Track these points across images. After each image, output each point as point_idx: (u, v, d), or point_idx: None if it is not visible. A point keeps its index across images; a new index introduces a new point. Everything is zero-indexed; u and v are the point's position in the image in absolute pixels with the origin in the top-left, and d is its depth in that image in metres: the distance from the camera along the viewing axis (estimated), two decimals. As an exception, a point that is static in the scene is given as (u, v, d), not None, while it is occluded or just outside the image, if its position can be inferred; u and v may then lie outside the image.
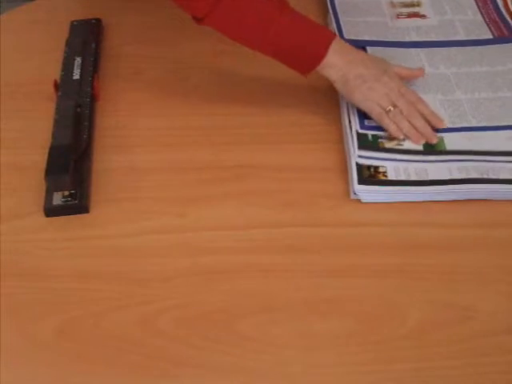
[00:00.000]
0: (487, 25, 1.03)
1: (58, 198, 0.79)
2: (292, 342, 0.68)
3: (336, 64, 0.85)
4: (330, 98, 0.93)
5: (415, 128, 0.84)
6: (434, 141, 0.84)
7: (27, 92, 0.95)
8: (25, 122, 0.91)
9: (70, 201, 0.79)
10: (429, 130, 0.84)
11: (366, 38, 1.00)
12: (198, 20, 0.84)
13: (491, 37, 1.01)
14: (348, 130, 0.86)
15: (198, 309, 0.71)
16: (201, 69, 0.98)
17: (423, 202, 0.80)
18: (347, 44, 0.87)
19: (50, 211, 0.79)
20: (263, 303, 0.71)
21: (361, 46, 0.95)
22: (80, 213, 0.79)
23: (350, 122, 0.87)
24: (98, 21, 1.05)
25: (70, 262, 0.75)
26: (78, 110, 0.88)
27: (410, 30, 1.02)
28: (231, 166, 0.85)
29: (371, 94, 0.85)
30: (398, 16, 1.04)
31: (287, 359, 0.67)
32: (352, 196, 0.80)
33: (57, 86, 0.92)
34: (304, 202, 0.81)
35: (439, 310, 0.70)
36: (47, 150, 0.80)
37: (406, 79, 0.90)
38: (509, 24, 1.03)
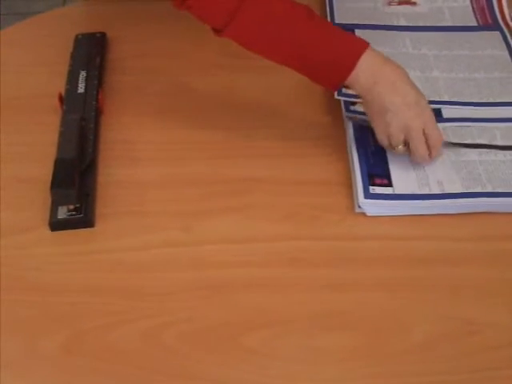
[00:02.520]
0: (474, 12, 1.08)
1: (63, 212, 0.79)
2: (296, 355, 0.68)
3: (362, 82, 0.79)
4: (333, 111, 0.93)
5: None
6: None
7: (32, 105, 0.95)
8: (30, 136, 0.91)
9: (75, 215, 0.79)
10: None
11: (356, 22, 1.05)
12: (218, 31, 0.80)
13: (476, 24, 1.06)
14: (353, 146, 0.86)
15: (203, 323, 0.71)
16: (205, 82, 0.98)
17: (428, 215, 0.80)
18: (381, 56, 0.81)
19: (55, 225, 0.79)
20: (268, 317, 0.71)
21: (349, 29, 1.01)
22: (85, 227, 0.79)
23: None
24: (103, 34, 1.05)
25: (75, 276, 0.75)
26: (83, 123, 0.88)
27: (399, 16, 1.07)
28: (235, 180, 0.85)
29: (387, 128, 0.80)
30: (390, 3, 1.09)
31: (292, 373, 0.67)
32: (356, 209, 0.80)
33: (62, 100, 0.92)
34: (308, 216, 0.81)
35: (444, 324, 0.70)
36: (52, 164, 0.80)
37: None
38: (495, 13, 1.08)
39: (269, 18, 0.79)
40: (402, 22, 1.06)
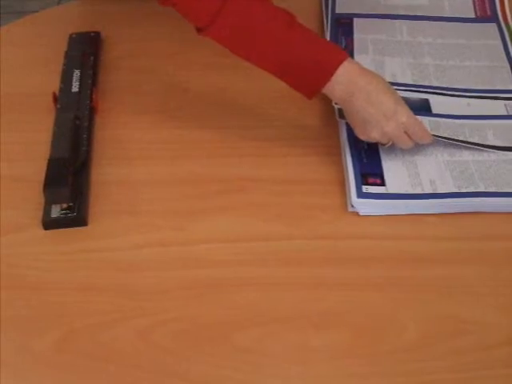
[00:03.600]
0: (474, 5, 1.10)
1: (56, 211, 0.79)
2: (289, 355, 0.68)
3: (339, 93, 0.81)
4: (327, 111, 0.93)
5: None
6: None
7: (26, 104, 0.95)
8: (24, 135, 0.91)
9: (69, 213, 0.79)
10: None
11: (355, 11, 1.07)
12: (200, 30, 0.81)
13: (474, 16, 1.09)
14: (346, 145, 0.86)
15: (196, 322, 0.71)
16: (199, 81, 0.98)
17: (420, 214, 0.80)
18: (359, 67, 0.81)
19: (49, 224, 0.79)
20: (261, 316, 0.71)
21: (348, 17, 1.05)
22: (78, 226, 0.79)
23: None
24: (97, 34, 1.06)
25: (68, 275, 0.75)
26: (77, 122, 0.88)
27: (398, 7, 1.09)
28: (228, 179, 0.85)
29: (369, 135, 0.82)
30: None
31: (285, 372, 0.67)
32: (350, 209, 0.80)
33: (56, 99, 0.92)
34: (302, 215, 0.81)
35: (438, 323, 0.70)
36: (46, 163, 0.80)
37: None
38: (494, 5, 1.10)
39: (250, 21, 0.79)
40: (401, 12, 1.09)
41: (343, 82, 0.79)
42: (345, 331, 0.70)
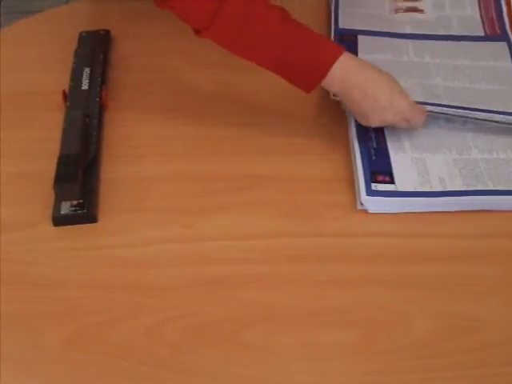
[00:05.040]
0: (482, 22, 1.05)
1: (66, 208, 0.79)
2: (297, 351, 0.68)
3: (336, 88, 0.84)
4: (335, 108, 0.93)
5: None
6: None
7: (36, 102, 0.96)
8: (34, 132, 0.92)
9: (79, 210, 0.79)
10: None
11: (359, 27, 1.02)
12: (197, 32, 0.82)
13: (483, 34, 1.04)
14: (355, 143, 0.86)
15: (204, 318, 0.71)
16: (208, 79, 0.99)
17: (429, 212, 0.80)
18: (355, 62, 0.83)
19: (59, 220, 0.79)
20: (269, 313, 0.72)
21: (352, 34, 1.00)
22: (88, 222, 0.79)
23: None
24: (107, 32, 1.06)
25: (77, 272, 0.75)
26: (87, 120, 0.88)
27: (404, 23, 1.04)
28: (237, 177, 0.85)
29: (369, 124, 0.85)
30: (397, 10, 1.07)
31: (293, 369, 0.67)
32: (359, 207, 0.81)
33: (65, 97, 0.93)
34: (311, 213, 0.81)
35: (445, 321, 0.70)
36: (56, 160, 0.81)
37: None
38: (503, 23, 1.05)
39: (247, 20, 0.80)
40: (407, 30, 1.04)
41: (339, 77, 0.81)
42: (352, 328, 0.70)
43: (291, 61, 0.82)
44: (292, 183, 0.84)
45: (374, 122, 0.84)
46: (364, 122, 0.85)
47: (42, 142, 0.89)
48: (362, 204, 0.80)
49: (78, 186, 0.78)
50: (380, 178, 0.82)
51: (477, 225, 0.79)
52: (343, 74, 0.81)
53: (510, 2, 1.08)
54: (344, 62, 0.81)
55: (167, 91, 0.97)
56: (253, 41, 0.82)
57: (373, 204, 0.80)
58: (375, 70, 0.83)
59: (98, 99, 0.92)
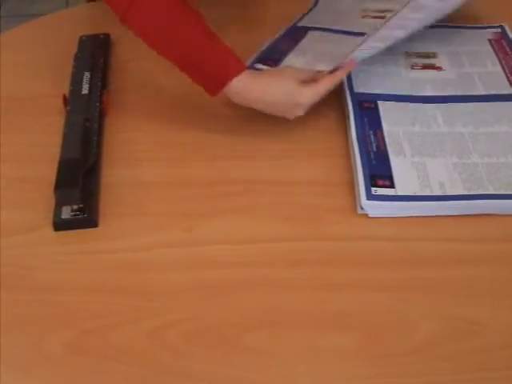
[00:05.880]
0: (507, 77, 0.98)
1: (66, 212, 0.80)
2: (299, 355, 0.68)
3: (237, 101, 0.87)
4: (336, 113, 0.93)
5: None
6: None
7: (36, 106, 0.96)
8: (34, 136, 0.92)
9: (79, 215, 0.79)
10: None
11: (378, 91, 0.95)
12: (121, 20, 0.85)
13: (510, 92, 0.95)
14: (355, 147, 0.86)
15: (205, 322, 0.71)
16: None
17: (429, 216, 0.80)
18: (254, 79, 0.86)
19: (59, 225, 0.79)
20: (270, 317, 0.72)
21: (371, 100, 0.94)
22: (89, 227, 0.80)
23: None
24: (107, 36, 1.06)
25: (78, 276, 0.75)
26: (87, 124, 0.89)
27: (425, 82, 0.97)
28: (237, 181, 0.85)
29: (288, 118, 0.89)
30: (413, 67, 1.00)
31: (294, 373, 0.67)
32: (359, 211, 0.81)
33: (66, 101, 0.93)
34: (311, 217, 0.81)
35: (447, 324, 0.70)
36: (56, 164, 0.81)
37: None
38: None
39: (160, 14, 0.84)
40: (428, 91, 0.96)
41: (239, 93, 0.86)
42: (354, 332, 0.70)
43: (195, 64, 0.85)
44: (292, 187, 0.85)
45: (291, 117, 0.88)
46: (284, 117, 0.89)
47: (43, 146, 0.89)
48: (362, 208, 0.80)
49: (78, 191, 0.78)
50: (380, 182, 0.82)
51: (477, 229, 0.79)
52: (243, 89, 0.85)
53: None
54: (243, 80, 0.85)
55: (168, 95, 0.98)
56: (163, 35, 0.84)
57: (373, 208, 0.80)
58: (273, 80, 0.87)
59: (98, 104, 0.93)
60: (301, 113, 0.87)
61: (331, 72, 0.89)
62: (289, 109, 0.87)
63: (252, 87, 0.86)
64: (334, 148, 0.89)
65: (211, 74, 0.85)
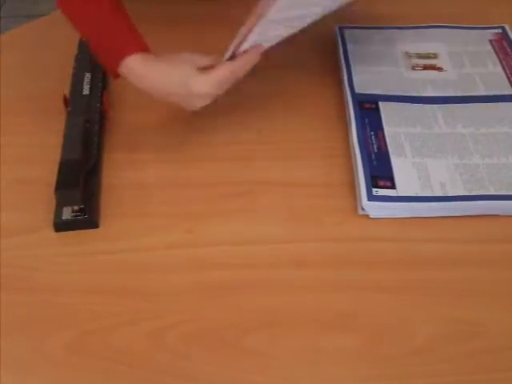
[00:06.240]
0: (508, 78, 0.98)
1: (67, 213, 0.80)
2: (300, 357, 0.68)
3: (135, 84, 0.83)
4: (337, 113, 0.93)
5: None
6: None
7: (37, 107, 0.96)
8: (35, 137, 0.92)
9: (80, 216, 0.79)
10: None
11: (379, 92, 0.95)
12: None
13: (511, 92, 0.95)
14: (356, 147, 0.86)
15: (206, 324, 0.71)
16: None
17: (431, 217, 0.80)
18: (143, 64, 0.82)
19: (60, 226, 0.79)
20: (271, 318, 0.72)
21: (373, 101, 0.93)
22: (89, 228, 0.80)
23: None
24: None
25: (79, 277, 0.75)
26: (88, 125, 0.88)
27: (426, 83, 0.97)
28: (238, 182, 0.85)
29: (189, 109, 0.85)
30: (414, 67, 1.00)
31: (295, 374, 0.67)
32: (360, 212, 0.81)
33: (66, 102, 0.93)
34: (312, 218, 0.81)
35: (448, 326, 0.70)
36: (57, 165, 0.81)
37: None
38: None
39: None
40: (430, 92, 0.95)
41: (130, 74, 0.82)
42: (355, 334, 0.70)
43: (96, 41, 0.84)
44: (292, 188, 0.84)
45: (192, 109, 0.84)
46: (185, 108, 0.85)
47: (43, 147, 0.89)
48: (363, 209, 0.80)
49: (79, 192, 0.78)
50: (381, 183, 0.82)
51: (478, 230, 0.79)
52: (132, 72, 0.82)
53: None
54: (138, 62, 0.82)
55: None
56: (76, 13, 0.84)
57: (374, 209, 0.80)
58: (166, 65, 0.83)
59: (98, 104, 0.92)
60: (201, 103, 0.83)
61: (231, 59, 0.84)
62: (185, 98, 0.82)
63: (145, 71, 0.82)
64: (334, 149, 0.89)
65: (108, 50, 0.83)
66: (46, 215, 0.80)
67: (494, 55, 1.02)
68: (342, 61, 1.00)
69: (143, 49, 0.83)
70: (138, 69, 0.82)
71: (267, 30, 0.82)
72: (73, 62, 1.00)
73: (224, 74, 0.82)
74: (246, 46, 0.83)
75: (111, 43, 0.82)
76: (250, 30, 0.81)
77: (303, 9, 0.83)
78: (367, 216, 0.80)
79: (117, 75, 0.84)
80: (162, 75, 0.82)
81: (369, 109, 0.92)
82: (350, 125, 0.90)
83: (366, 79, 0.97)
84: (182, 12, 1.09)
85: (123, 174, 0.86)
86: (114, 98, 0.96)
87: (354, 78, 0.97)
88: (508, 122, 0.90)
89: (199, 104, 0.83)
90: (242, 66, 0.83)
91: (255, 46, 0.83)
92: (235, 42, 0.83)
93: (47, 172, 0.82)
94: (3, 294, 0.74)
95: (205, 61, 0.83)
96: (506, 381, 0.67)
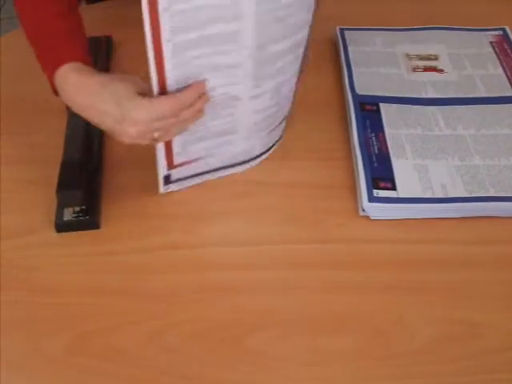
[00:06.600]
0: (508, 79, 0.98)
1: (68, 214, 0.80)
2: (300, 357, 0.69)
3: (65, 101, 0.76)
4: (338, 115, 0.93)
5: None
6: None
7: (38, 108, 0.96)
8: (36, 138, 0.91)
9: (81, 216, 0.79)
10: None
11: (380, 93, 0.95)
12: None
13: (511, 94, 0.96)
14: (357, 149, 0.87)
15: (206, 324, 0.71)
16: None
17: (431, 218, 0.80)
18: (75, 79, 0.74)
19: (61, 227, 0.79)
20: (272, 319, 0.72)
21: (373, 102, 0.93)
22: (91, 228, 0.80)
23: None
24: (109, 38, 1.06)
25: (80, 278, 0.75)
26: (89, 126, 0.88)
27: (426, 84, 0.97)
28: (238, 183, 0.85)
29: (121, 139, 0.73)
30: (415, 69, 1.00)
31: (295, 375, 0.67)
32: (361, 213, 0.81)
33: (68, 103, 0.93)
34: (313, 219, 0.81)
35: (448, 327, 0.71)
36: (58, 166, 0.81)
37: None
38: None
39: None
40: (431, 93, 0.96)
41: (64, 87, 0.75)
42: (355, 334, 0.70)
43: (35, 46, 0.79)
44: (294, 190, 0.85)
45: (122, 138, 0.73)
46: (118, 139, 0.74)
47: (44, 147, 0.89)
48: (363, 210, 0.80)
49: (80, 192, 0.78)
50: (382, 184, 0.82)
51: (479, 231, 0.79)
52: (63, 88, 0.75)
53: None
54: (63, 77, 0.74)
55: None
56: (24, 15, 0.81)
57: (375, 210, 0.80)
58: (101, 81, 0.73)
59: (100, 105, 0.92)
60: (133, 133, 0.71)
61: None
62: (118, 121, 0.71)
63: (78, 81, 0.73)
64: (335, 150, 0.89)
65: (46, 57, 0.77)
66: (47, 216, 0.80)
67: (495, 57, 1.02)
68: (343, 62, 1.00)
69: (81, 59, 0.75)
70: (71, 77, 0.73)
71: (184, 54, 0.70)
72: (74, 62, 1.00)
73: (166, 104, 0.70)
74: (170, 80, 0.71)
75: (49, 50, 0.76)
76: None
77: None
78: (368, 217, 0.80)
79: (56, 90, 0.76)
80: (95, 88, 0.72)
81: (369, 110, 0.92)
82: (351, 126, 0.90)
83: (367, 81, 0.97)
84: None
85: (124, 174, 0.86)
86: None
87: (355, 80, 0.97)
88: (508, 124, 0.90)
89: (131, 132, 0.71)
90: (185, 100, 0.71)
91: (197, 82, 0.72)
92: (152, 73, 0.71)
93: (49, 172, 0.82)
94: (3, 294, 0.74)
95: (149, 86, 0.71)
96: (506, 382, 0.67)
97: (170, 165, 0.80)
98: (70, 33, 0.78)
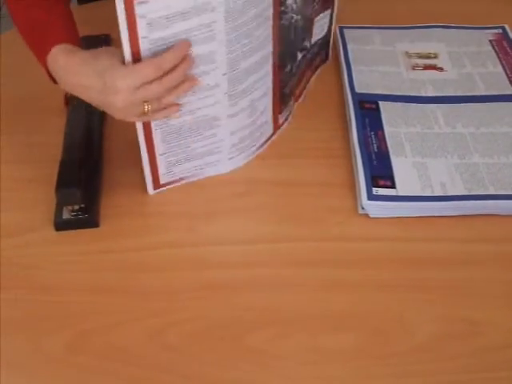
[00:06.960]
0: (508, 77, 0.98)
1: (68, 212, 0.80)
2: (300, 355, 0.69)
3: (57, 76, 0.77)
4: (337, 114, 0.93)
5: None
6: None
7: (38, 107, 0.96)
8: (35, 137, 0.92)
9: (80, 215, 0.79)
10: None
11: (379, 91, 0.95)
12: None
13: (510, 92, 0.96)
14: (357, 147, 0.86)
15: (207, 322, 0.71)
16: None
17: (430, 216, 0.80)
18: (62, 62, 0.75)
19: (60, 225, 0.79)
20: (271, 317, 0.72)
21: (373, 101, 0.93)
22: (90, 227, 0.80)
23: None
24: (107, 36, 1.06)
25: (79, 276, 0.75)
26: (89, 124, 0.88)
27: (426, 83, 0.97)
28: (238, 182, 0.85)
29: (114, 115, 0.75)
30: (414, 67, 1.00)
31: (296, 373, 0.67)
32: (360, 211, 0.81)
33: (67, 101, 0.93)
34: (312, 217, 0.81)
35: (448, 325, 0.71)
36: (58, 165, 0.81)
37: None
38: None
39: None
40: (430, 91, 0.96)
41: (53, 72, 0.77)
42: (356, 333, 0.70)
43: (26, 39, 0.81)
44: (293, 188, 0.85)
45: (111, 111, 0.74)
46: (112, 115, 0.76)
47: (44, 146, 0.89)
48: (363, 208, 0.80)
49: (79, 191, 0.78)
50: (381, 182, 0.82)
51: (478, 229, 0.79)
52: (55, 70, 0.76)
53: None
54: (54, 59, 0.76)
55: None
56: (15, 11, 0.82)
57: (374, 208, 0.80)
58: (84, 57, 0.75)
59: (99, 104, 0.92)
60: (121, 103, 0.71)
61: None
62: (102, 94, 0.71)
63: (66, 61, 0.75)
64: (335, 149, 0.89)
65: (38, 42, 0.78)
66: (46, 214, 0.80)
67: (494, 55, 1.02)
68: (343, 60, 1.00)
69: (69, 40, 0.76)
70: (60, 59, 0.75)
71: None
72: (73, 61, 1.00)
73: (145, 67, 0.70)
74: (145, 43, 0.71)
75: (40, 38, 0.77)
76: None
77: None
78: (367, 215, 0.80)
79: (53, 77, 0.78)
80: (78, 65, 0.74)
81: (369, 109, 0.92)
82: (351, 124, 0.90)
83: (367, 79, 0.97)
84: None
85: (124, 173, 0.86)
86: (114, 97, 0.96)
87: (355, 78, 0.97)
88: (508, 122, 0.90)
89: (117, 103, 0.71)
90: (166, 60, 0.70)
91: (178, 43, 0.71)
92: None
93: (48, 171, 0.82)
94: (3, 293, 0.74)
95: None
96: (506, 379, 0.67)
97: (157, 184, 0.83)
98: (59, 19, 0.79)
